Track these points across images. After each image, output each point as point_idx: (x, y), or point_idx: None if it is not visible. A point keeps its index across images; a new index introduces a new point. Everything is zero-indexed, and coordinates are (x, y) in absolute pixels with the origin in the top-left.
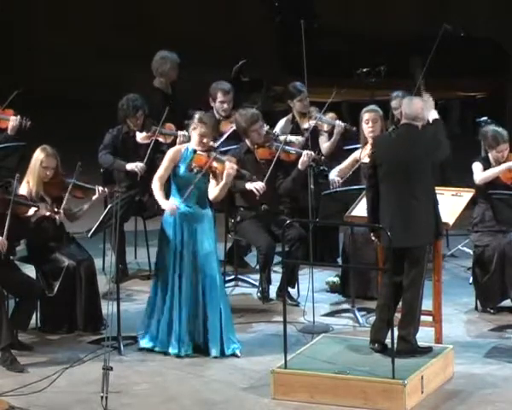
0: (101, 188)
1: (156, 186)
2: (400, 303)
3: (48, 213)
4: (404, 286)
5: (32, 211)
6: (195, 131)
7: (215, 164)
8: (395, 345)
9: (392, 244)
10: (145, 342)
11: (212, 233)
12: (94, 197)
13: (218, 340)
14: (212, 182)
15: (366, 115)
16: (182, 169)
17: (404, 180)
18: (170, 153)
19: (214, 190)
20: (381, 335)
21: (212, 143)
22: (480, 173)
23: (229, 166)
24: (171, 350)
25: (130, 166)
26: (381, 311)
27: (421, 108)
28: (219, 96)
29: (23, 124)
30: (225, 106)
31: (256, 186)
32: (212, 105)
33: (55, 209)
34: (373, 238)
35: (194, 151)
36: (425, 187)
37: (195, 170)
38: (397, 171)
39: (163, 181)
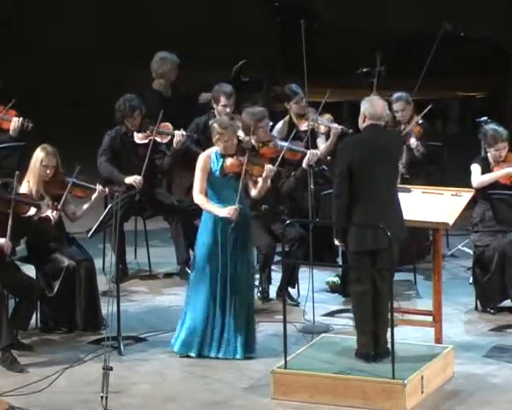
0: (101, 187)
1: (202, 200)
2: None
3: (49, 212)
4: (385, 293)
5: (32, 211)
6: (220, 141)
7: (249, 167)
8: (387, 348)
9: (372, 246)
10: (178, 346)
11: (250, 234)
12: (93, 196)
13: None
14: (249, 183)
15: None
16: (216, 174)
17: (379, 182)
18: (200, 162)
19: (253, 191)
20: (370, 348)
21: (243, 142)
22: (477, 177)
23: (267, 169)
24: (212, 352)
25: (128, 180)
26: (363, 323)
27: (384, 107)
28: (222, 100)
29: (24, 125)
30: (227, 110)
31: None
32: (214, 107)
33: (57, 206)
34: (338, 243)
35: (223, 156)
36: (394, 188)
37: (230, 175)
38: (372, 173)
39: (204, 193)
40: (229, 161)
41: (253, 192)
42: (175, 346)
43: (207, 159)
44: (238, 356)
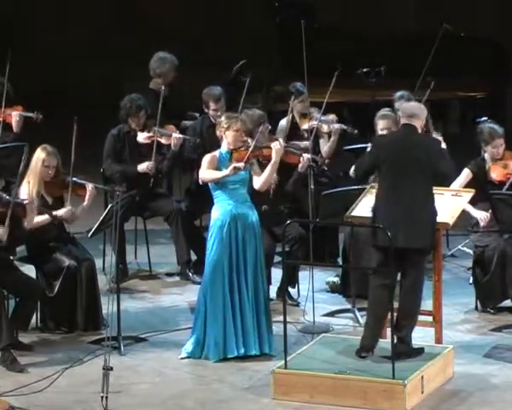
0: (90, 185)
1: (208, 173)
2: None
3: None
4: (404, 289)
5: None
6: (231, 129)
7: (257, 151)
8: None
9: (394, 244)
10: (190, 348)
11: (259, 230)
12: (86, 196)
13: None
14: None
15: (380, 124)
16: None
17: (405, 180)
18: (206, 159)
19: (261, 176)
20: (372, 344)
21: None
22: (456, 183)
23: (276, 144)
24: (237, 352)
25: (141, 168)
26: (368, 316)
27: (418, 108)
28: (211, 105)
29: (34, 117)
30: (219, 113)
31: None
32: (206, 111)
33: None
34: None
35: (231, 151)
36: (425, 191)
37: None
38: (399, 170)
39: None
40: (236, 152)
41: (258, 182)
42: (196, 352)
43: (213, 157)
44: (267, 351)
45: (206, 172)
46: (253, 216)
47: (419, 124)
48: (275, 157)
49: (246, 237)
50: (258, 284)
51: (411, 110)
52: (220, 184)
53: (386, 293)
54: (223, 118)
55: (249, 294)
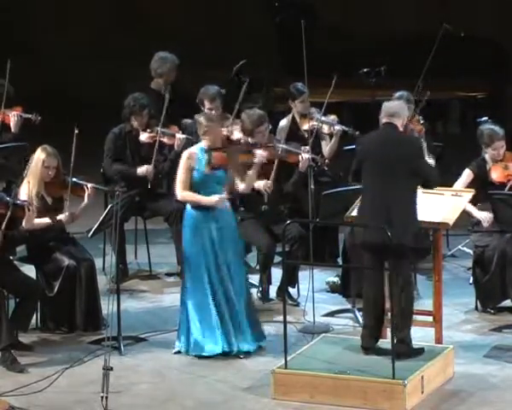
0: (90, 185)
1: (187, 194)
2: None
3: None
4: (396, 290)
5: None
6: (207, 135)
7: (238, 156)
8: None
9: (374, 239)
10: (181, 346)
11: (235, 228)
12: (85, 196)
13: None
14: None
15: None
16: (200, 171)
17: (385, 177)
18: (184, 161)
19: (242, 185)
20: (372, 343)
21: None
22: (458, 184)
23: (259, 154)
24: (222, 348)
25: (140, 171)
26: (364, 317)
27: (400, 107)
28: (206, 104)
29: (33, 119)
30: (213, 112)
31: (265, 187)
32: (202, 109)
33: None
34: None
35: (211, 150)
36: (407, 188)
37: (216, 169)
38: (379, 167)
39: (187, 189)
40: (216, 154)
41: (242, 186)
42: (188, 349)
43: (192, 157)
44: (263, 344)
45: (182, 193)
46: (229, 213)
47: (400, 123)
48: (253, 169)
49: (223, 235)
50: (239, 281)
51: (393, 109)
52: (194, 183)
53: (372, 293)
54: (202, 120)
55: (230, 289)
